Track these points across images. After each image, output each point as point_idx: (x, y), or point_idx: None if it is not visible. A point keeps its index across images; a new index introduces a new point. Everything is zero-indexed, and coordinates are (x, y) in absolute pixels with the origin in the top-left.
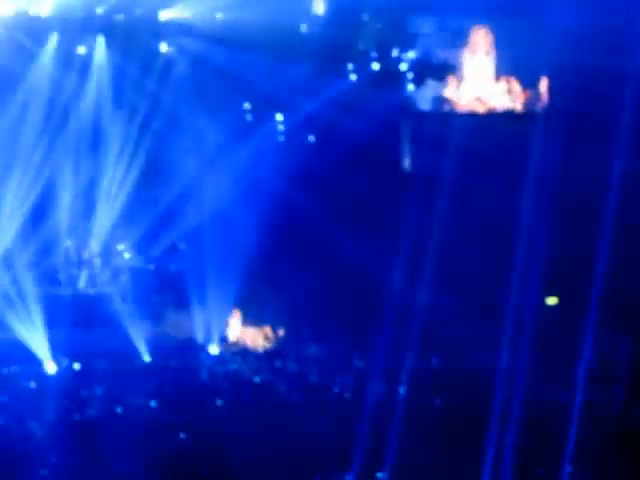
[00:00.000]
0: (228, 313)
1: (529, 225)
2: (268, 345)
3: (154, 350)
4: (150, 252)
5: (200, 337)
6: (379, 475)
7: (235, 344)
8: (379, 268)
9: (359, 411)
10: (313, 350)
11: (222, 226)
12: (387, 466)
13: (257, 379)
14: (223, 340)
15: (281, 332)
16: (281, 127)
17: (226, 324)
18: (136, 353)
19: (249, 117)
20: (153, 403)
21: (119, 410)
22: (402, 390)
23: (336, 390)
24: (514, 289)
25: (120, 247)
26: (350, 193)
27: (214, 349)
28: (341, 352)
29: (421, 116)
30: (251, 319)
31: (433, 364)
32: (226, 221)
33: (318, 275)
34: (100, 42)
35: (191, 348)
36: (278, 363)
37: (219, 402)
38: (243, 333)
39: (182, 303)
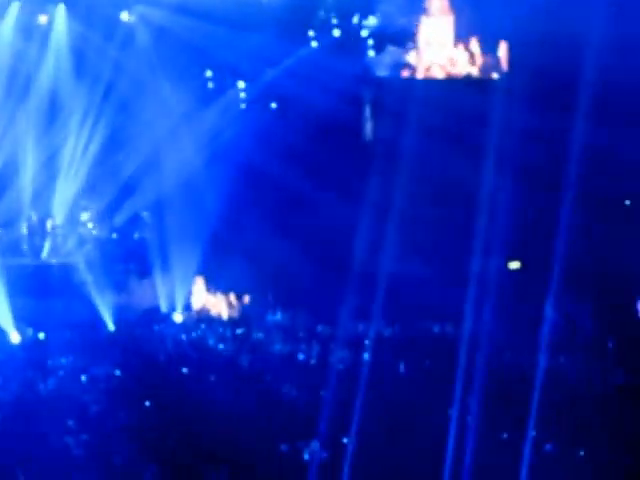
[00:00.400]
0: (192, 281)
1: (491, 191)
2: (232, 313)
3: (119, 319)
4: (114, 221)
5: (164, 306)
6: (345, 440)
7: (199, 312)
8: (343, 236)
9: (324, 378)
10: (278, 317)
11: (185, 194)
12: (353, 432)
13: (221, 346)
14: (187, 308)
15: (245, 299)
16: (243, 95)
17: (190, 292)
18: (101, 322)
19: (211, 85)
20: (118, 372)
21: (84, 379)
22: (366, 357)
23: (301, 357)
24: (477, 255)
25: (84, 217)
26: (313, 160)
27: (178, 317)
28: (305, 320)
29: (381, 82)
30: (215, 287)
31: (397, 331)
32: (190, 189)
33: (282, 242)
34: (61, 11)
35: (155, 317)
36: (242, 330)
37: (184, 370)
38: (207, 301)
39: (146, 272)
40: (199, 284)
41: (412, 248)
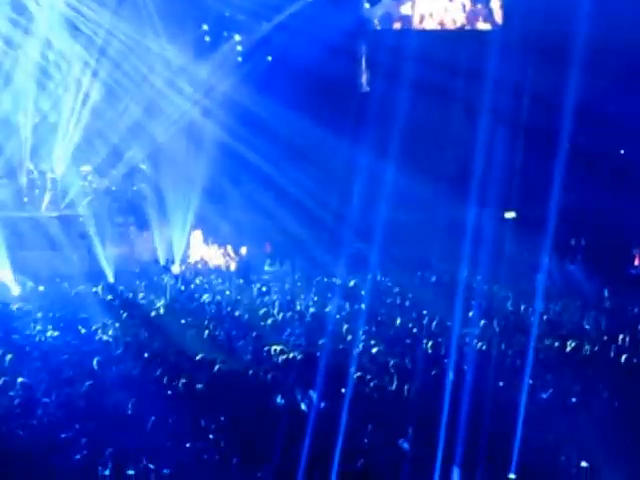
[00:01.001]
0: (189, 233)
1: (486, 143)
2: (230, 264)
3: (118, 271)
4: (113, 174)
5: (163, 258)
6: (343, 390)
7: (197, 264)
8: (339, 186)
9: (322, 327)
10: (276, 269)
11: (183, 147)
12: (350, 382)
13: (219, 298)
14: (185, 260)
15: (243, 251)
16: (239, 48)
17: (187, 244)
18: (101, 275)
19: (207, 39)
20: (116, 324)
21: (83, 332)
22: (364, 307)
23: (299, 307)
24: (472, 205)
25: (83, 169)
26: (309, 113)
27: (176, 269)
28: (303, 270)
29: (376, 35)
30: (213, 239)
31: (393, 281)
32: (187, 141)
33: (279, 194)
34: None
35: (154, 269)
36: (240, 281)
37: (182, 321)
38: (205, 253)
39: (145, 224)
40: (197, 236)
41: (408, 198)
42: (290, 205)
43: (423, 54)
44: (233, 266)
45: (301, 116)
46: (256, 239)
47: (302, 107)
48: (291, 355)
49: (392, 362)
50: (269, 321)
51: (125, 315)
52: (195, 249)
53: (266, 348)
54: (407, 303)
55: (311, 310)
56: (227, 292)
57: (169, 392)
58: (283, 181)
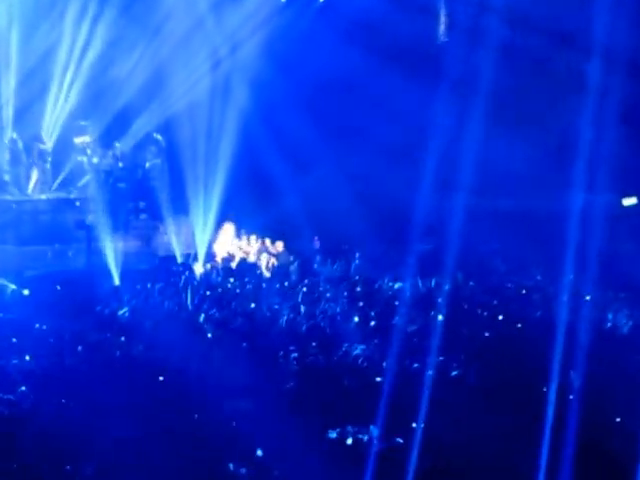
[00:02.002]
0: (216, 224)
1: (591, 118)
2: (268, 262)
3: (125, 271)
4: (118, 148)
5: (182, 254)
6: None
7: (225, 262)
8: (406, 172)
9: (385, 343)
10: (328, 268)
11: (207, 115)
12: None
13: (253, 306)
14: (210, 257)
15: (281, 247)
16: None
17: (214, 237)
18: (103, 276)
19: None
20: (122, 338)
21: (80, 349)
22: (440, 318)
23: (357, 319)
24: (580, 190)
25: (80, 141)
26: (368, 74)
27: (199, 268)
28: (362, 271)
29: None
30: (246, 231)
31: (475, 286)
32: (213, 105)
33: (332, 178)
34: None
35: (171, 268)
36: (284, 283)
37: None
38: (236, 248)
39: (159, 212)
40: (226, 228)
41: (495, 180)
42: (343, 189)
43: (509, 16)
44: (272, 263)
45: (358, 77)
46: (301, 232)
47: (359, 65)
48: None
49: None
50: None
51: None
52: (223, 243)
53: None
54: (500, 317)
55: (372, 323)
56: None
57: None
58: (334, 160)
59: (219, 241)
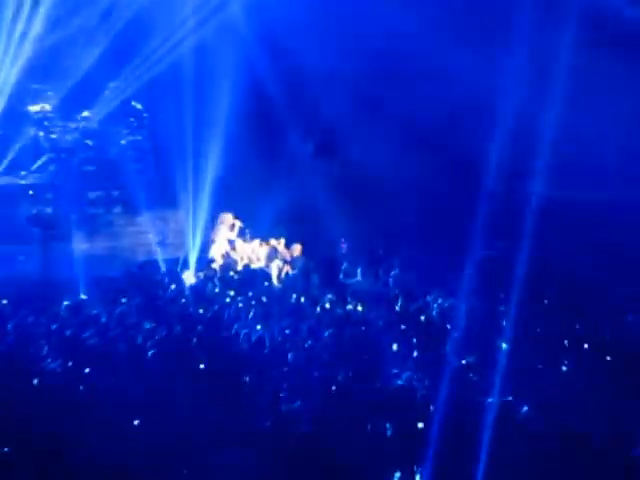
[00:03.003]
0: (213, 220)
1: None
2: (280, 271)
3: (92, 282)
4: (86, 119)
5: (166, 259)
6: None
7: (225, 269)
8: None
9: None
10: (359, 280)
11: (202, 80)
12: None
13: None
14: (204, 263)
15: (299, 250)
16: None
17: (210, 238)
18: (63, 288)
19: None
20: (87, 370)
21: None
22: (505, 347)
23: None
24: None
25: (38, 110)
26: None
27: (190, 277)
28: (406, 285)
29: None
30: (252, 231)
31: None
32: (209, 70)
33: (363, 163)
34: None
35: (152, 277)
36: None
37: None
38: (238, 252)
39: (139, 204)
40: (226, 226)
41: (583, 173)
42: (379, 179)
43: None
44: (285, 272)
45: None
46: (324, 232)
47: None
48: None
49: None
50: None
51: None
52: (221, 245)
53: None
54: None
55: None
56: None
57: None
58: (365, 142)
59: (217, 243)
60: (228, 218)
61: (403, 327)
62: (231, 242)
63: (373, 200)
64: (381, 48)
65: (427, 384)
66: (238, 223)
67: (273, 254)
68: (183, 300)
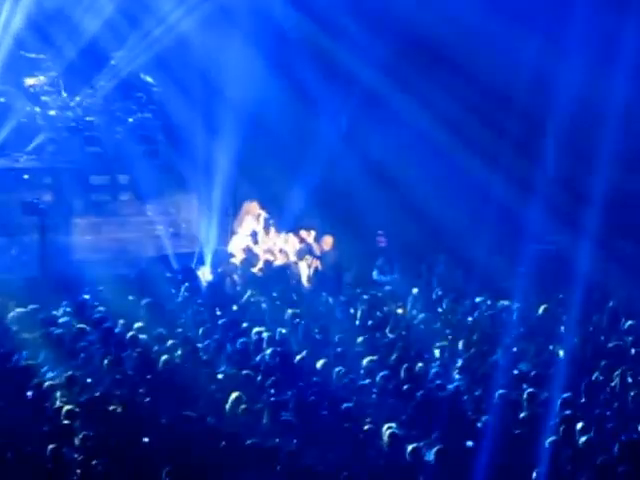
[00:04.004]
0: (233, 209)
1: None
2: (312, 264)
3: (97, 280)
4: (89, 93)
5: (181, 253)
6: None
7: (246, 264)
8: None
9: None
10: (393, 279)
11: (223, 51)
12: None
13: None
14: (222, 257)
15: (329, 243)
16: None
17: (230, 229)
18: (63, 285)
19: None
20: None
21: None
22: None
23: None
24: None
25: (31, 83)
26: None
27: (207, 274)
28: (446, 284)
29: None
30: (280, 223)
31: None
32: (230, 41)
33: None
34: None
35: (165, 274)
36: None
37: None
38: (263, 245)
39: (143, 190)
40: (249, 215)
41: None
42: (420, 164)
43: None
44: (315, 268)
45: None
46: (359, 224)
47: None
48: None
49: None
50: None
51: None
52: (245, 238)
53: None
54: None
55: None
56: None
57: None
58: (404, 122)
59: (238, 235)
60: (253, 207)
61: (448, 332)
62: (254, 235)
63: (415, 187)
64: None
65: (475, 396)
66: (264, 214)
67: (304, 250)
68: (199, 301)
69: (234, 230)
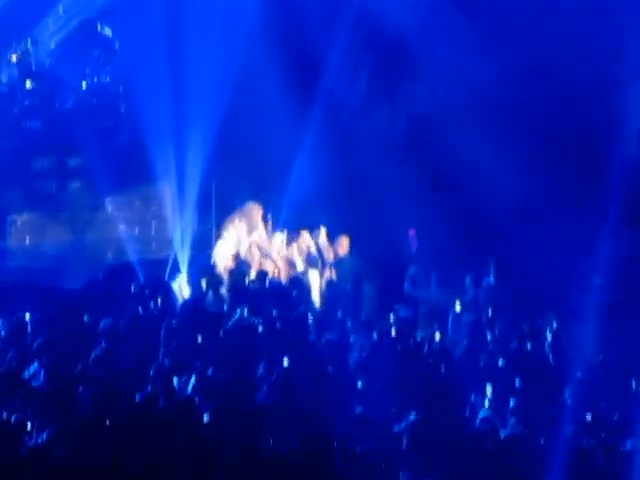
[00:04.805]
0: (221, 201)
1: None
2: (323, 276)
3: (37, 295)
4: (27, 47)
5: (149, 260)
6: None
7: (234, 273)
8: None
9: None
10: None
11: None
12: None
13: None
14: (204, 263)
15: (344, 244)
16: None
17: (217, 228)
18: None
19: None
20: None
21: None
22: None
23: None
24: None
25: None
26: None
27: (184, 287)
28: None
29: None
30: (274, 217)
31: None
32: None
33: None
34: None
35: (129, 287)
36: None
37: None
38: (255, 246)
39: (109, 179)
40: (246, 218)
41: None
42: (465, 148)
43: None
44: (328, 279)
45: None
46: (383, 222)
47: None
48: None
49: None
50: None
51: None
52: (234, 240)
53: None
54: None
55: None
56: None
57: None
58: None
59: (226, 238)
60: (253, 210)
61: (501, 363)
62: (246, 234)
63: (458, 171)
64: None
65: (536, 447)
66: (258, 208)
67: (313, 255)
68: (174, 323)
69: (223, 229)
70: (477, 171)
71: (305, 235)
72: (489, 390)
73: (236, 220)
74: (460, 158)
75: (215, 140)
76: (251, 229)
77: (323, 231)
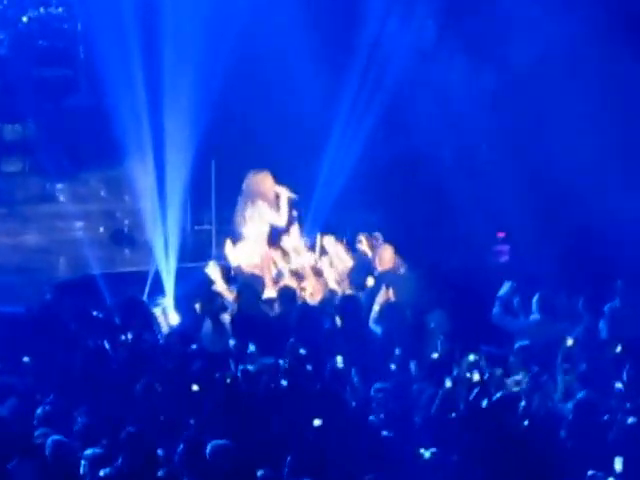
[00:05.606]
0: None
1: None
2: (387, 295)
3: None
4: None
5: (121, 276)
6: None
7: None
8: None
9: None
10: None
11: None
12: None
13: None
14: (199, 279)
15: (386, 256)
16: None
17: (211, 225)
18: None
19: None
20: None
21: None
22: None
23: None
24: None
25: None
26: None
27: (172, 315)
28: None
29: None
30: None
31: None
32: None
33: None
34: None
35: (93, 315)
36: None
37: None
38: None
39: (68, 163)
40: (259, 200)
41: None
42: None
43: None
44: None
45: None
46: (447, 224)
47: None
48: None
49: None
50: None
51: None
52: (246, 246)
53: None
54: None
55: None
56: None
57: None
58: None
59: (237, 245)
60: (264, 180)
61: (631, 422)
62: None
63: (560, 155)
64: None
65: None
66: (286, 194)
67: (357, 271)
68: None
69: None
70: (593, 158)
71: (342, 241)
72: (618, 464)
73: (251, 207)
74: (574, 140)
75: (216, 102)
76: (273, 220)
77: (364, 238)
